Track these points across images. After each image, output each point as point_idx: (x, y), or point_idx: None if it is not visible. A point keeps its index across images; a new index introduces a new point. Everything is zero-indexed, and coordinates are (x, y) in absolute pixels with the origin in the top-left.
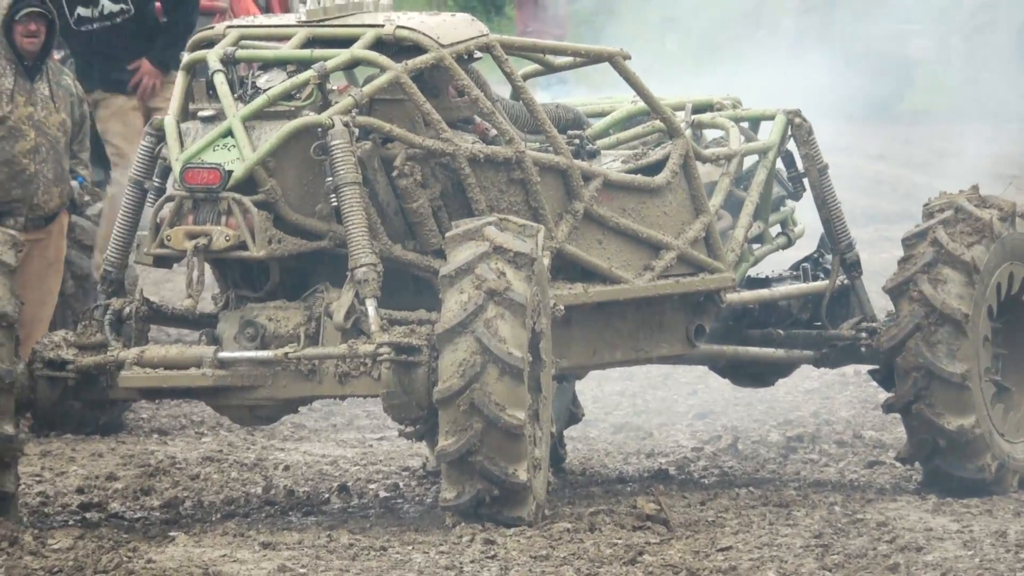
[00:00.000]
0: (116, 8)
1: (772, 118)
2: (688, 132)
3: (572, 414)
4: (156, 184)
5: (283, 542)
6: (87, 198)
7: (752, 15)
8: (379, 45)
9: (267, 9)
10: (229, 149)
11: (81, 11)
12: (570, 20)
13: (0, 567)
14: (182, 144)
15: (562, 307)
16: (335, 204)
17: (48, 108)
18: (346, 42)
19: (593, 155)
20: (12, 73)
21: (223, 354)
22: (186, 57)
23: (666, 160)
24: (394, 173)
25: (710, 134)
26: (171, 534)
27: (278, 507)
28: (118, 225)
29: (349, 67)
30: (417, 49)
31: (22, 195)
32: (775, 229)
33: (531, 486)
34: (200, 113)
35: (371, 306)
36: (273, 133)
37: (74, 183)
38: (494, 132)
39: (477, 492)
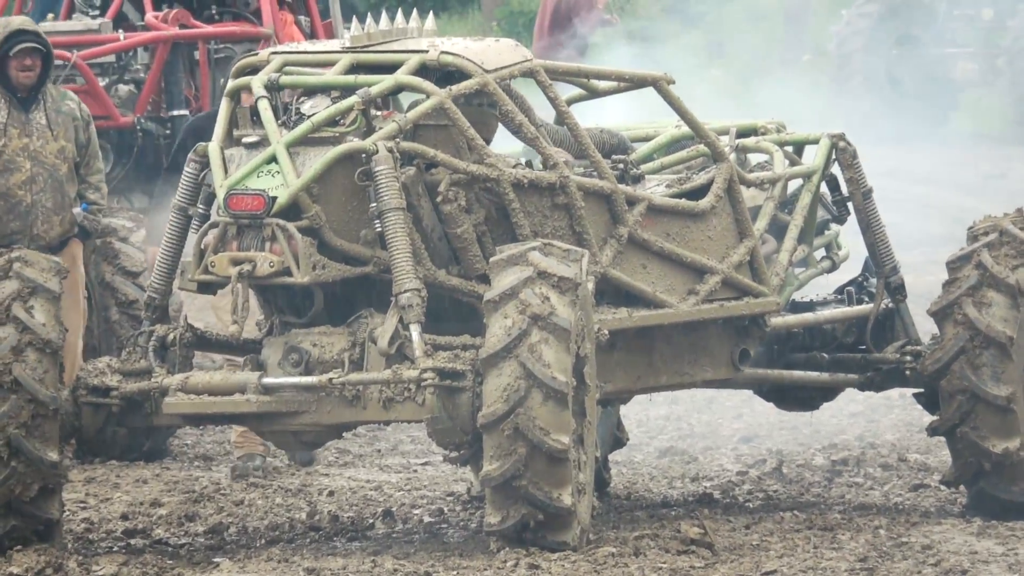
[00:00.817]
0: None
1: (816, 142)
2: (732, 156)
3: (616, 439)
4: (200, 211)
5: (327, 568)
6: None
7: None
8: (423, 71)
9: (311, 35)
10: (273, 175)
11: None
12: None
13: None
14: (226, 170)
15: (606, 332)
16: (379, 230)
17: (45, 137)
18: (390, 68)
19: (637, 180)
20: (5, 106)
21: (267, 380)
22: (230, 83)
23: (710, 184)
24: (438, 199)
25: (754, 158)
26: (215, 560)
27: (322, 533)
28: (162, 251)
29: (393, 93)
30: (461, 74)
31: (20, 227)
32: (819, 253)
33: (575, 511)
34: (244, 139)
35: (415, 331)
36: (317, 159)
37: (76, 210)
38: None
39: (522, 517)
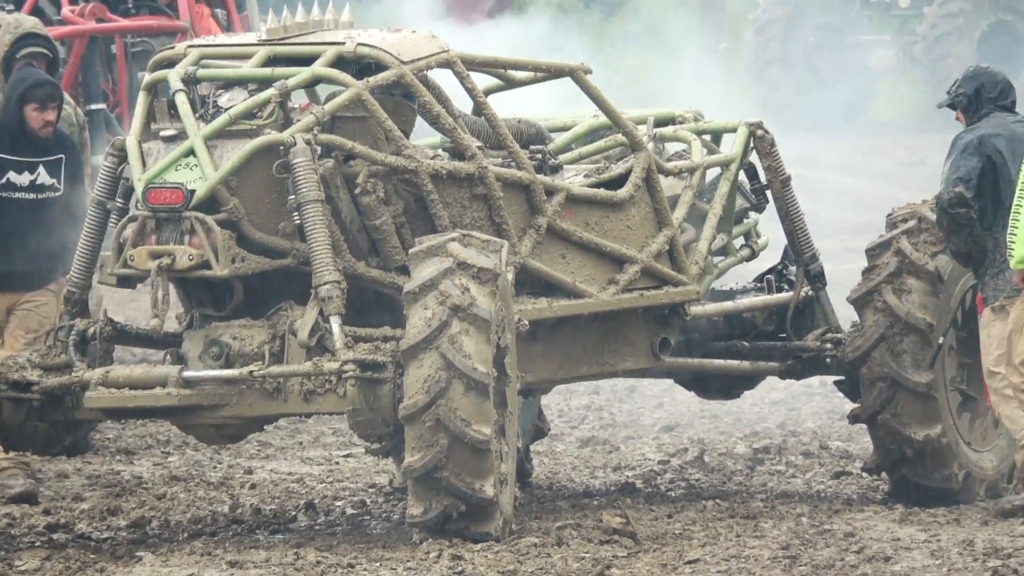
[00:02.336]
0: (47, 182)
1: (734, 130)
2: (650, 145)
3: (538, 428)
4: (119, 204)
5: (250, 560)
6: None
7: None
8: (340, 63)
9: (228, 28)
10: (191, 168)
11: (13, 177)
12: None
13: None
14: (144, 164)
15: (527, 322)
16: (298, 222)
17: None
18: (307, 60)
19: (556, 170)
20: None
21: (188, 373)
22: (147, 77)
23: (629, 174)
24: (357, 190)
25: (672, 147)
26: (138, 554)
27: (245, 525)
28: (81, 245)
29: (310, 85)
30: (378, 66)
31: None
32: (739, 241)
33: (498, 501)
34: (162, 133)
35: (335, 323)
36: (235, 152)
37: None
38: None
39: (444, 508)
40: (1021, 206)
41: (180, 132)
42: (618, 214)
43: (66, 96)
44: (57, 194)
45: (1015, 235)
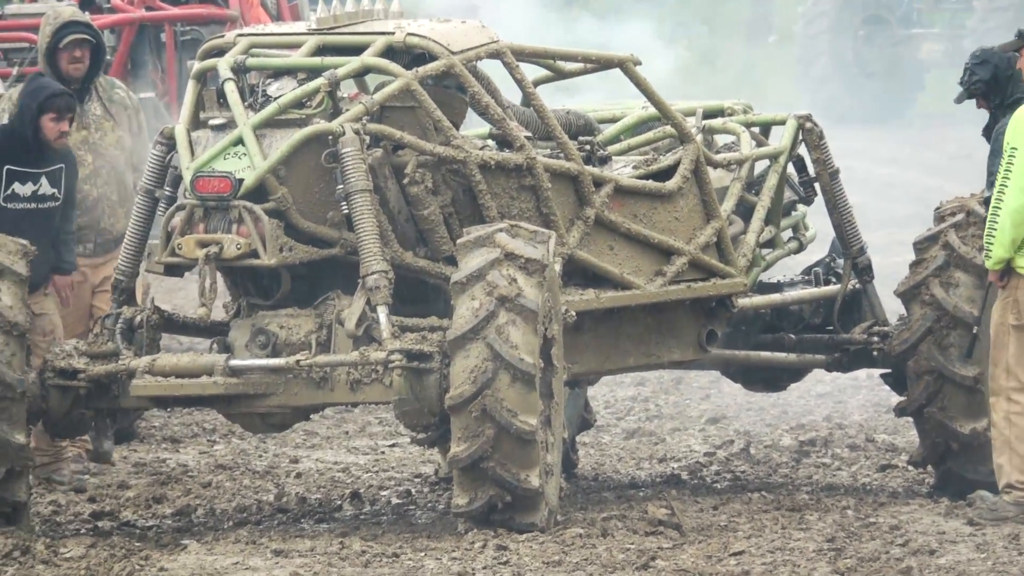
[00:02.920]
0: (48, 191)
1: (783, 123)
2: (699, 137)
3: (584, 420)
4: (167, 193)
5: (295, 549)
6: None
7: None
8: (389, 52)
9: (278, 17)
10: (240, 157)
11: (17, 188)
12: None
13: None
14: (193, 153)
15: (574, 313)
16: (346, 212)
17: (102, 128)
18: (356, 50)
19: (604, 161)
20: None
21: (235, 362)
22: (197, 65)
23: (677, 166)
24: (405, 180)
25: (721, 139)
26: (183, 542)
27: (290, 514)
28: (129, 234)
29: (360, 75)
30: (428, 56)
31: (88, 221)
32: (787, 234)
33: (543, 492)
34: (211, 121)
35: (382, 313)
36: (284, 141)
37: None
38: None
39: (489, 498)
40: (999, 205)
41: (229, 121)
42: (666, 206)
43: (116, 81)
44: (56, 204)
45: (993, 235)
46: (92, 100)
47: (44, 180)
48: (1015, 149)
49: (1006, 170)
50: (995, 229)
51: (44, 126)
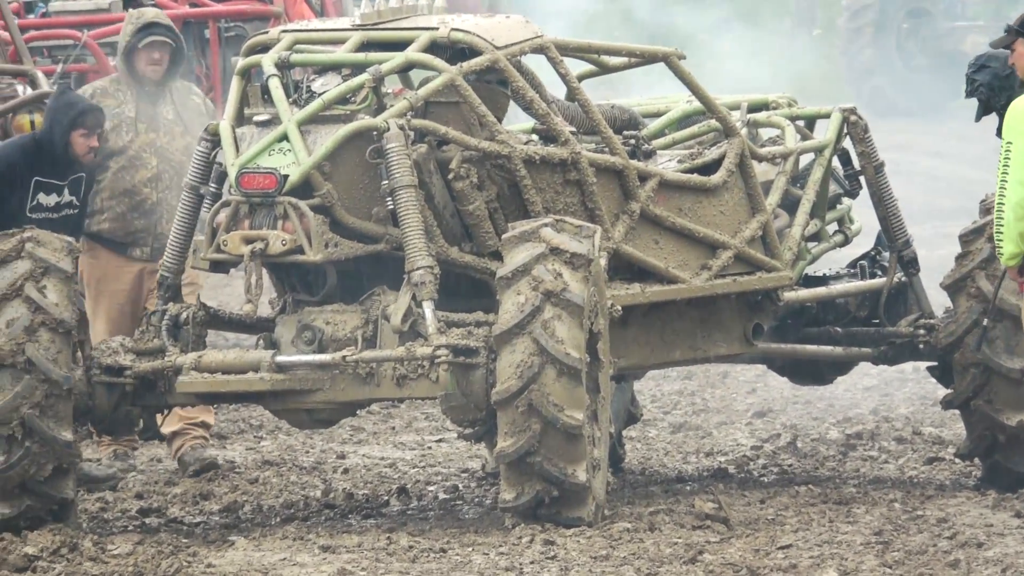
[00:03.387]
0: (67, 200)
1: (828, 116)
2: (744, 131)
3: (631, 414)
4: (212, 189)
5: (343, 545)
6: None
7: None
8: (434, 48)
9: (322, 13)
10: (285, 153)
11: (42, 198)
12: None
13: (60, 573)
14: (237, 149)
15: (619, 307)
16: (391, 207)
17: (172, 133)
18: (401, 45)
19: (649, 155)
20: (133, 100)
21: (281, 358)
22: (241, 62)
23: (722, 159)
24: (450, 175)
25: (766, 133)
26: (231, 538)
27: (337, 510)
28: (174, 231)
29: (404, 70)
30: (472, 51)
31: (145, 225)
32: (832, 227)
33: (590, 486)
34: (255, 118)
35: (428, 308)
36: (328, 137)
37: None
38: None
39: (536, 493)
40: (1002, 201)
41: (273, 117)
42: (711, 200)
43: (193, 87)
44: (73, 212)
45: (1001, 232)
46: (165, 103)
47: (66, 190)
48: (1011, 143)
49: (1004, 165)
50: (1002, 225)
51: (74, 141)
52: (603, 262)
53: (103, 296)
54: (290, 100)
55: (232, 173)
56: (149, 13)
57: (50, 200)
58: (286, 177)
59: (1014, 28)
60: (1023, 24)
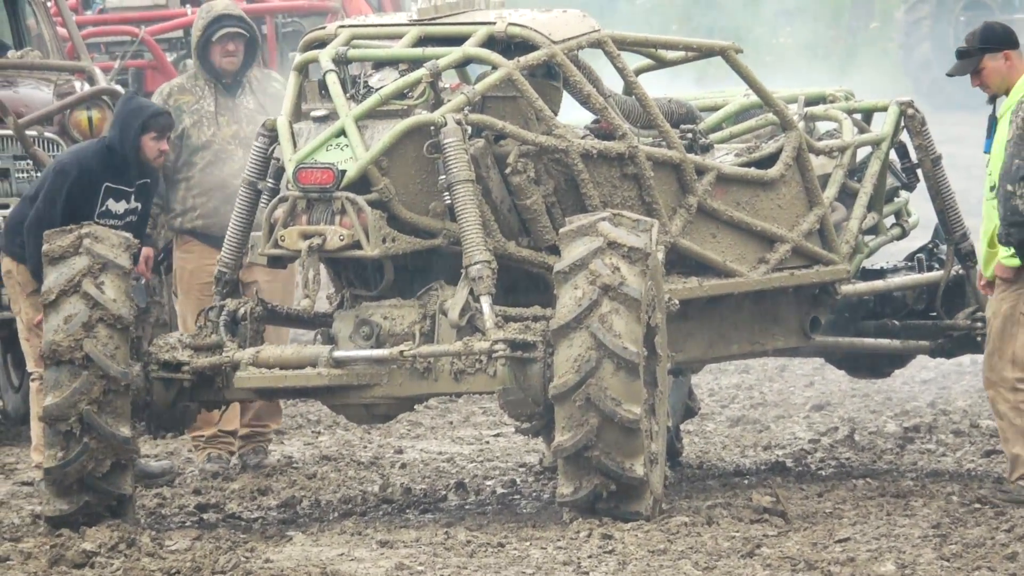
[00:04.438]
0: (133, 206)
1: (885, 109)
2: (801, 125)
3: (688, 408)
4: (270, 185)
5: (400, 540)
6: None
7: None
8: (491, 42)
9: (379, 8)
10: (342, 149)
11: (111, 204)
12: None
13: (118, 569)
14: (295, 144)
15: (677, 301)
16: (448, 202)
17: (254, 122)
18: (458, 40)
19: (706, 149)
20: (212, 94)
21: (339, 353)
22: (298, 57)
23: (779, 153)
24: (507, 170)
25: (823, 126)
26: (288, 534)
27: (395, 505)
28: (232, 226)
29: (461, 65)
30: (529, 46)
31: None
32: (889, 220)
33: (648, 480)
34: (313, 113)
35: (486, 303)
36: (386, 132)
37: None
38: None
39: (594, 487)
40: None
41: (331, 112)
42: (769, 193)
43: (273, 73)
44: (136, 217)
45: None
46: (245, 93)
47: (133, 196)
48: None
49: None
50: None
51: (145, 145)
52: (660, 256)
53: (196, 291)
54: (347, 95)
55: (290, 169)
56: (219, 5)
57: (119, 207)
58: (343, 172)
59: (975, 47)
60: (984, 40)
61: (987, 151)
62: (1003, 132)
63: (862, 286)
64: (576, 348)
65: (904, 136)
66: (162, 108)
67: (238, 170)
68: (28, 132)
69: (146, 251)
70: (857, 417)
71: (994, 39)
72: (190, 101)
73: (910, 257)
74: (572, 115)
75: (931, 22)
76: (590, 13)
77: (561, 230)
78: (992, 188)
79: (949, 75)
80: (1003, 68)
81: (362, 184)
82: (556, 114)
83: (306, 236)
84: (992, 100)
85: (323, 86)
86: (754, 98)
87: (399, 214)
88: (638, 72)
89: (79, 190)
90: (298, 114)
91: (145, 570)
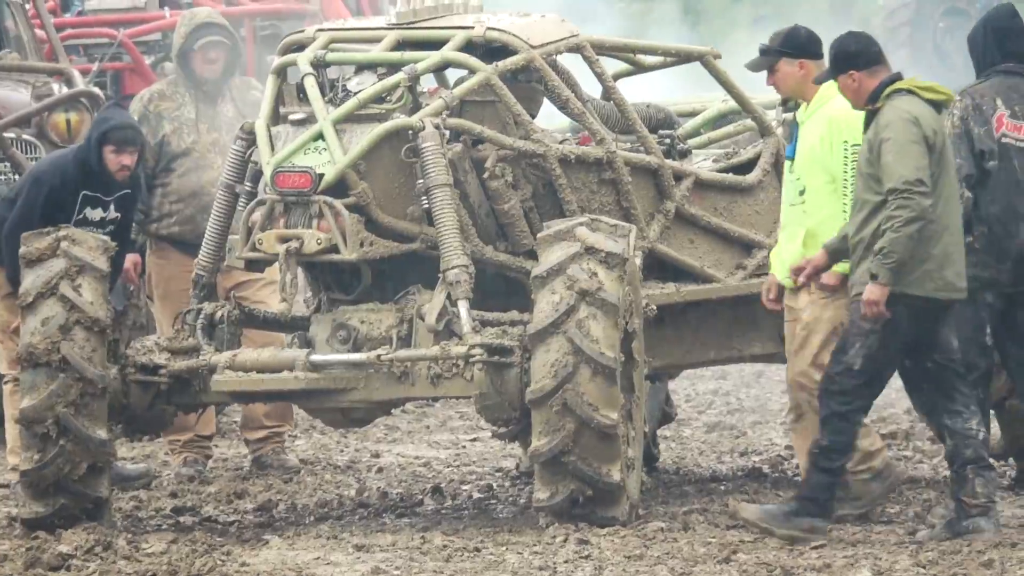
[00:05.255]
0: (112, 216)
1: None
2: (780, 130)
3: (665, 413)
4: (247, 188)
5: (377, 544)
6: None
7: (844, 14)
8: (469, 47)
9: (357, 12)
10: (320, 152)
11: (88, 212)
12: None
13: (94, 572)
14: (273, 148)
15: (654, 307)
16: (426, 206)
17: (234, 131)
18: (436, 44)
19: (684, 154)
20: (192, 101)
21: (316, 357)
22: (277, 60)
23: (757, 159)
24: (485, 175)
25: None
26: (265, 537)
27: (372, 509)
28: (209, 229)
29: (439, 69)
30: (507, 50)
31: None
32: None
33: (625, 486)
34: (291, 116)
35: (463, 308)
36: (364, 136)
37: None
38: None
39: (571, 492)
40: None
41: (309, 116)
42: (747, 199)
43: (252, 81)
44: (114, 227)
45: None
46: (225, 102)
47: (112, 206)
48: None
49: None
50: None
51: (105, 157)
52: (638, 261)
53: (172, 298)
54: (325, 99)
55: (267, 172)
56: (202, 14)
57: (95, 215)
58: (321, 176)
59: (774, 48)
60: (784, 43)
61: (790, 156)
62: (810, 136)
63: None
64: (553, 353)
65: None
66: (126, 122)
67: (216, 178)
68: (6, 134)
69: (133, 258)
70: None
71: (794, 46)
72: (170, 108)
73: None
74: (555, 120)
75: (910, 29)
76: (569, 19)
77: (539, 235)
78: (801, 192)
79: (747, 68)
80: (797, 74)
81: (340, 188)
82: (535, 116)
83: (284, 240)
84: (785, 103)
85: (301, 89)
86: (733, 103)
87: (377, 218)
88: (616, 77)
89: (56, 198)
90: (276, 117)
91: (121, 573)
